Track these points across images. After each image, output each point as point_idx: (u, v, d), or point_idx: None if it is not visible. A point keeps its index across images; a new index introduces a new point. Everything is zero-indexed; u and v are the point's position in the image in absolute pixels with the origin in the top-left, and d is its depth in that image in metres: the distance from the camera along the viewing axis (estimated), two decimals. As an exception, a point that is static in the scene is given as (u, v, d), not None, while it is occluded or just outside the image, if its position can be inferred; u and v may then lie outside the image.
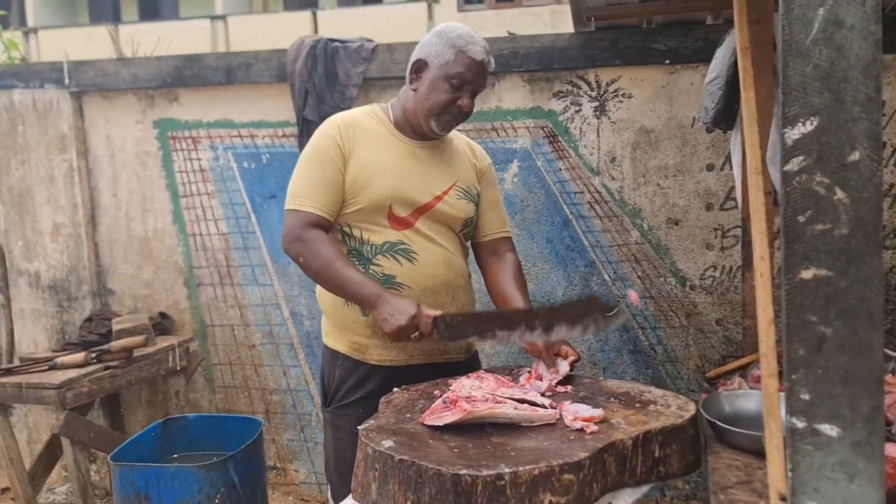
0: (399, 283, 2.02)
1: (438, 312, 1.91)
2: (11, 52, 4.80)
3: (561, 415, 1.72)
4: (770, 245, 1.52)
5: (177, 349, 3.21)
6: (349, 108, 3.13)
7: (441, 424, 1.65)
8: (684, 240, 2.93)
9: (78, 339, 3.24)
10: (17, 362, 3.15)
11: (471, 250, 2.24)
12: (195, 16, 16.60)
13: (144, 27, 14.02)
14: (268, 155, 3.34)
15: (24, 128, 3.49)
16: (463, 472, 1.45)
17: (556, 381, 1.90)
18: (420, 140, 2.08)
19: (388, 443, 1.59)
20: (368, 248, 2.03)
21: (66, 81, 3.44)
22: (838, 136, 1.06)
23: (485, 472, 1.45)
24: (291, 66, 3.18)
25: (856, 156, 1.06)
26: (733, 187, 2.84)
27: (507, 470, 1.46)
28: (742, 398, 1.83)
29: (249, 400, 3.48)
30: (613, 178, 2.99)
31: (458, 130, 2.19)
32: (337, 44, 3.20)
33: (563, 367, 1.94)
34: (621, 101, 2.93)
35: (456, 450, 1.56)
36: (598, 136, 2.98)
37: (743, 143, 2.13)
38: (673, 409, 1.73)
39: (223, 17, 15.88)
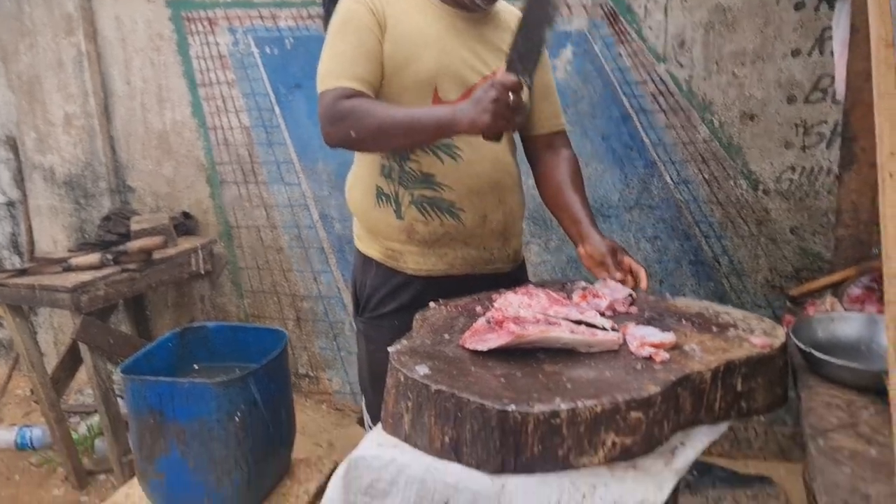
0: (439, 184, 1.75)
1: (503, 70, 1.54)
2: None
3: (625, 339, 1.46)
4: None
5: (200, 251, 3.02)
6: (381, -17, 2.76)
7: (485, 349, 1.41)
8: (760, 137, 2.58)
9: (95, 238, 3.05)
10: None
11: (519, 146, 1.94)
12: None
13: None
14: (292, 39, 3.01)
15: (31, 9, 3.20)
16: (511, 407, 1.21)
17: (619, 298, 1.63)
18: (461, 10, 1.75)
19: (423, 369, 1.36)
20: None
21: (71, -44, 3.12)
22: None
23: (537, 409, 1.21)
24: (316, -65, 2.81)
25: None
26: (822, 76, 2.45)
27: (563, 406, 1.22)
28: (838, 322, 1.55)
29: (279, 306, 3.30)
30: (681, 66, 2.61)
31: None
32: None
33: (621, 290, 1.65)
34: (695, -26, 2.52)
35: (503, 379, 1.32)
36: (666, 15, 2.59)
37: (853, 16, 1.75)
38: (758, 334, 1.46)
39: None
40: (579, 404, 1.22)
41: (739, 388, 1.38)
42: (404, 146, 1.72)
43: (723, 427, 1.39)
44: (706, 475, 1.71)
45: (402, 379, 1.35)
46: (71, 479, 2.92)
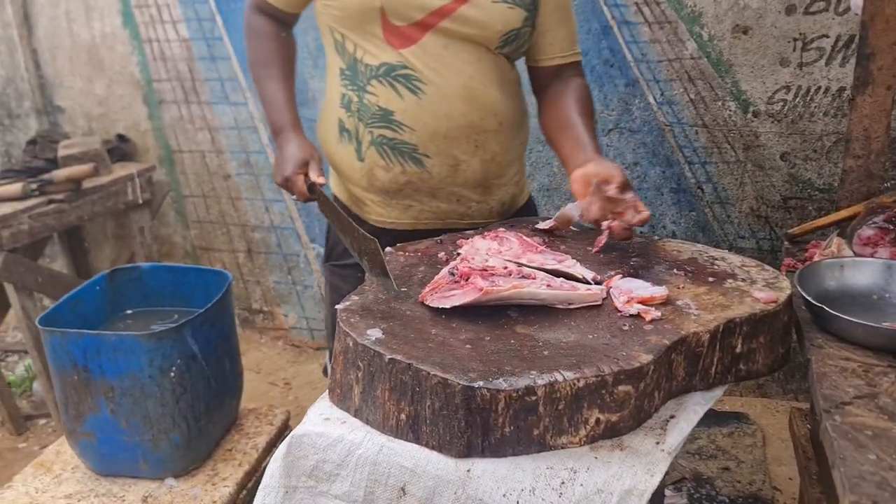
0: (398, 123, 1.50)
1: (322, 180, 1.50)
2: None
3: (608, 293, 1.27)
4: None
5: (136, 179, 2.74)
6: None
7: (448, 307, 1.21)
8: (753, 53, 2.34)
9: (21, 166, 2.75)
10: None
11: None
12: None
13: None
14: (232, -63, 2.67)
15: None
16: (479, 384, 1.02)
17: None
18: None
19: (375, 333, 1.16)
20: (363, 70, 1.51)
21: None
22: None
23: (509, 385, 1.02)
24: None
25: None
26: (824, -15, 2.21)
27: (540, 382, 1.03)
28: (849, 269, 1.37)
29: (229, 237, 3.06)
30: (669, -28, 2.35)
31: None
32: None
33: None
34: None
35: (468, 346, 1.13)
36: (654, -88, 2.30)
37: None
38: (760, 286, 1.28)
39: None
40: (559, 378, 1.03)
41: (739, 349, 1.21)
42: None
43: (718, 392, 1.22)
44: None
45: (351, 344, 1.15)
46: (7, 425, 2.73)
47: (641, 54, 2.44)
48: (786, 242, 1.63)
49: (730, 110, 2.42)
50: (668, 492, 2.30)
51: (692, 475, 2.37)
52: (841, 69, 2.26)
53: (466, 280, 1.24)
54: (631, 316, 1.20)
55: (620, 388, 1.06)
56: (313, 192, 1.50)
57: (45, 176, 2.50)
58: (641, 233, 1.61)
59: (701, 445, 2.53)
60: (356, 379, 1.15)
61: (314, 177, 1.50)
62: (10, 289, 2.43)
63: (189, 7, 2.77)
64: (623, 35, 2.43)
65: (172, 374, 1.73)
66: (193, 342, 1.75)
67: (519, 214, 1.72)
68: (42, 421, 2.79)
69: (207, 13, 2.76)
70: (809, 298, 1.25)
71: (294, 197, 1.54)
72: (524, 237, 1.43)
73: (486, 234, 1.45)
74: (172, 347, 1.72)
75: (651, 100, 2.48)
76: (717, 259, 1.41)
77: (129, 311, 2.05)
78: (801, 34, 2.28)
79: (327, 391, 1.22)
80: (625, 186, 1.38)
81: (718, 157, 2.47)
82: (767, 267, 1.36)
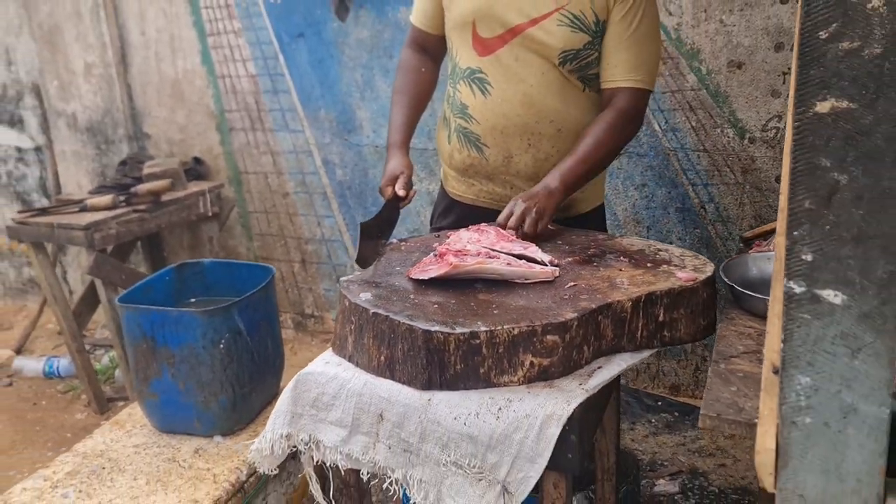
0: (470, 116, 1.87)
1: (401, 192, 1.79)
2: None
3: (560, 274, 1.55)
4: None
5: (207, 194, 3.17)
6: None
7: (426, 278, 1.52)
8: (747, 86, 2.59)
9: (112, 182, 3.23)
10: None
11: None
12: None
13: None
14: (294, -11, 3.10)
15: (49, -40, 3.34)
16: (435, 328, 1.33)
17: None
18: None
19: (366, 295, 1.48)
20: (458, 70, 1.89)
21: None
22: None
23: (458, 330, 1.32)
24: None
25: (903, -53, 0.80)
26: (810, 23, 2.45)
27: (483, 328, 1.33)
28: (772, 261, 1.61)
29: (286, 248, 3.46)
30: (670, 14, 2.63)
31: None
32: None
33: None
34: (685, -81, 2.52)
35: (436, 305, 1.43)
36: (656, -38, 2.60)
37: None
38: (688, 269, 1.54)
39: None
40: (497, 328, 1.32)
41: (661, 317, 1.46)
42: None
43: (645, 354, 1.47)
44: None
45: (347, 304, 1.47)
46: (92, 405, 3.15)
47: (646, 86, 2.71)
48: (740, 243, 1.87)
49: (728, 137, 2.66)
50: (661, 481, 2.50)
51: (688, 469, 2.56)
52: (828, 99, 2.48)
53: (442, 258, 1.55)
54: (569, 288, 1.48)
55: (548, 337, 1.34)
56: (398, 200, 1.80)
57: (132, 189, 2.95)
58: (606, 234, 1.88)
59: (702, 445, 2.72)
60: (350, 331, 1.47)
61: (397, 189, 1.79)
62: (98, 284, 2.88)
63: (257, 48, 3.22)
64: (629, 69, 2.71)
65: (222, 345, 2.08)
66: (240, 320, 2.11)
67: (577, 222, 1.90)
68: (120, 403, 3.21)
69: (272, 53, 3.20)
70: (726, 279, 1.50)
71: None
72: (500, 230, 1.73)
73: (470, 227, 1.76)
74: (222, 323, 2.08)
75: (656, 127, 2.75)
76: (661, 251, 1.67)
77: (192, 300, 2.43)
78: (789, 68, 2.52)
79: (330, 344, 1.55)
80: (511, 219, 1.68)
81: (719, 179, 2.71)
82: (701, 257, 1.61)
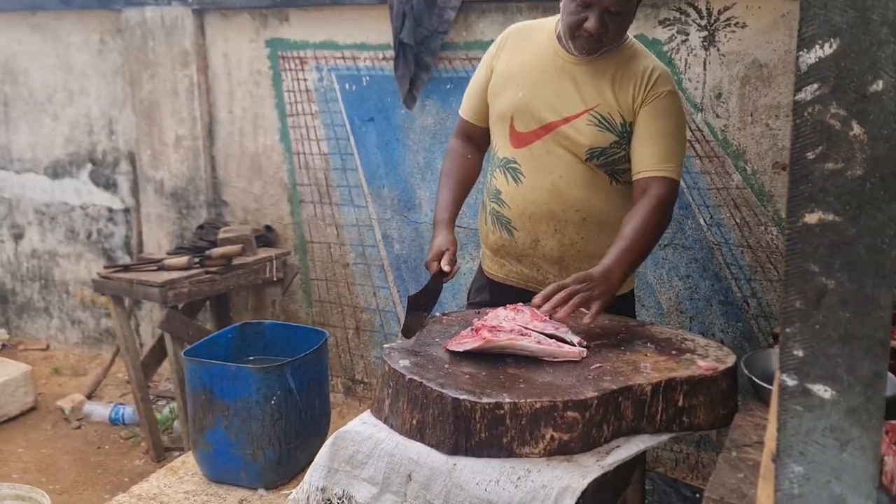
0: (503, 201, 2.04)
1: (447, 268, 1.88)
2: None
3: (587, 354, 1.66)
4: None
5: (274, 261, 3.40)
6: (446, 31, 3.08)
7: (461, 350, 1.65)
8: (791, 186, 2.68)
9: (189, 244, 3.50)
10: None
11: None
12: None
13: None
14: (368, 77, 3.37)
15: (154, 43, 3.72)
16: (464, 397, 1.45)
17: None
18: (578, 55, 1.93)
19: (404, 362, 1.62)
20: (495, 159, 2.07)
21: None
22: (860, 62, 0.91)
23: (484, 400, 1.44)
24: (393, -13, 3.16)
25: (878, 86, 0.91)
26: (854, 131, 2.54)
27: (507, 400, 1.44)
28: (797, 358, 1.68)
29: (342, 315, 3.63)
30: (718, 116, 2.76)
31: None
32: (439, -35, 3.13)
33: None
34: (733, 31, 2.68)
35: (467, 376, 1.56)
36: (705, 69, 2.75)
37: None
38: (710, 359, 1.63)
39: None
40: (521, 400, 1.44)
41: (680, 403, 1.55)
42: None
43: (664, 437, 1.56)
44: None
45: (387, 369, 1.61)
46: (151, 453, 3.33)
47: (693, 182, 2.83)
48: (771, 339, 1.94)
49: (772, 234, 2.74)
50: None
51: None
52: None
53: (477, 333, 1.68)
54: (595, 368, 1.58)
55: (569, 413, 1.44)
56: (442, 274, 1.90)
57: (206, 252, 3.20)
58: (638, 321, 1.98)
59: None
60: (387, 395, 1.60)
61: (442, 264, 1.89)
62: (167, 338, 3.09)
63: (330, 129, 3.49)
64: (676, 166, 2.84)
65: (273, 401, 2.24)
66: (292, 379, 2.27)
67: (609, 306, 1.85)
68: (176, 453, 3.38)
69: (343, 134, 3.46)
70: (746, 372, 1.58)
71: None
72: (535, 310, 1.85)
73: (507, 306, 1.88)
74: (275, 381, 2.24)
75: (702, 222, 2.85)
76: (687, 340, 1.76)
77: (251, 357, 2.61)
78: (833, 172, 2.60)
79: (370, 405, 1.68)
80: (546, 304, 1.72)
81: (762, 275, 2.77)
82: (724, 348, 1.69)
